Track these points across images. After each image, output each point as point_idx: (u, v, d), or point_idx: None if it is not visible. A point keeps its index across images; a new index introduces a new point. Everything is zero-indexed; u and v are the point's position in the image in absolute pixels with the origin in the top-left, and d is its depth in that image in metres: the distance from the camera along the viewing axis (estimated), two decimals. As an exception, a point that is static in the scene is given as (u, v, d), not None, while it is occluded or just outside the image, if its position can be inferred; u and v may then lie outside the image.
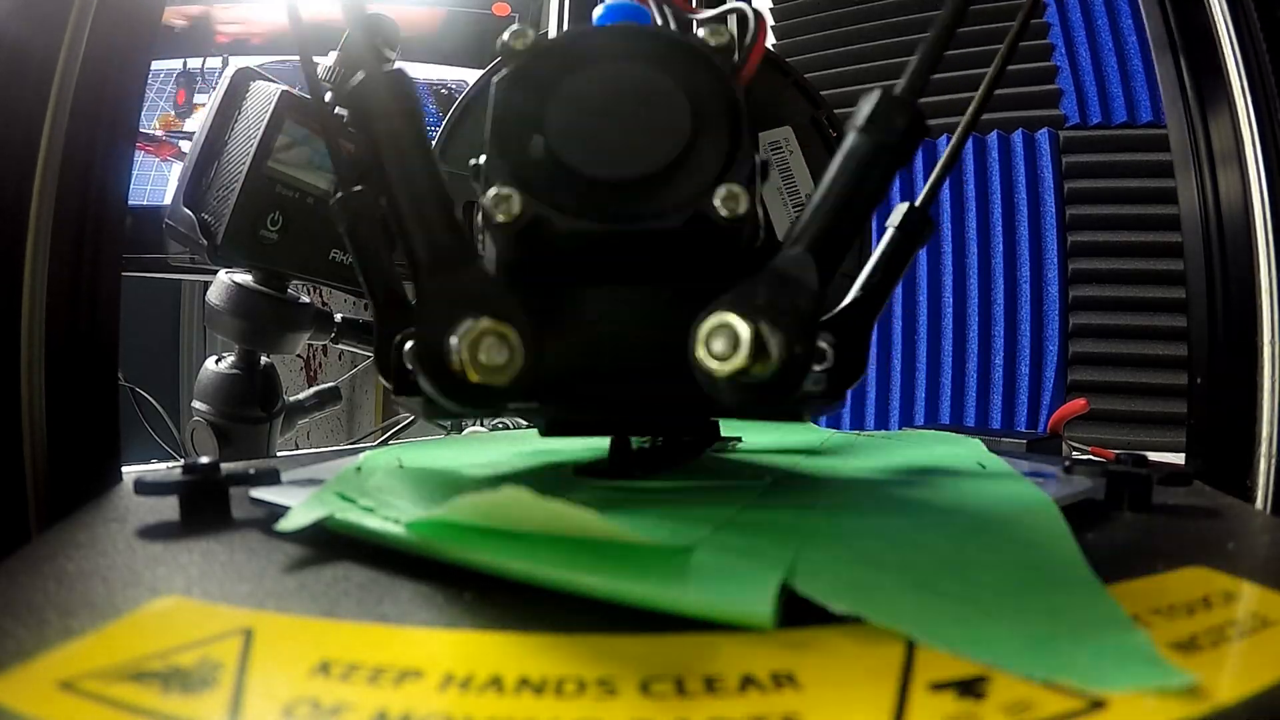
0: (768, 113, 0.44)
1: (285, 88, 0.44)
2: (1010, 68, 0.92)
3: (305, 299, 0.52)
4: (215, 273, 0.49)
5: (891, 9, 1.03)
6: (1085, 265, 0.92)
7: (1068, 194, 0.93)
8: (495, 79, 0.23)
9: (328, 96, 0.49)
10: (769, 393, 0.19)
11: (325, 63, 0.48)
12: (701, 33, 0.23)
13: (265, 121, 0.43)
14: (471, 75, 0.98)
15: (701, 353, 0.19)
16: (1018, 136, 0.95)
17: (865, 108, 0.21)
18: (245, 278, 0.48)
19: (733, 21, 0.32)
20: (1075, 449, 0.78)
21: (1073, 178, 0.92)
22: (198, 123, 0.44)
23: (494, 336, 0.19)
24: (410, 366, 0.21)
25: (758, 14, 0.29)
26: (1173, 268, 0.88)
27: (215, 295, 0.47)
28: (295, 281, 0.51)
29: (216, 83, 0.44)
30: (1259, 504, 0.40)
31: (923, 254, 1.03)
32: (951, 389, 1.02)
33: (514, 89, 0.22)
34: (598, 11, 0.27)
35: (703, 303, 0.20)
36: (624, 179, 0.21)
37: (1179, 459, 0.51)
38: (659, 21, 0.32)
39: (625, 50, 0.23)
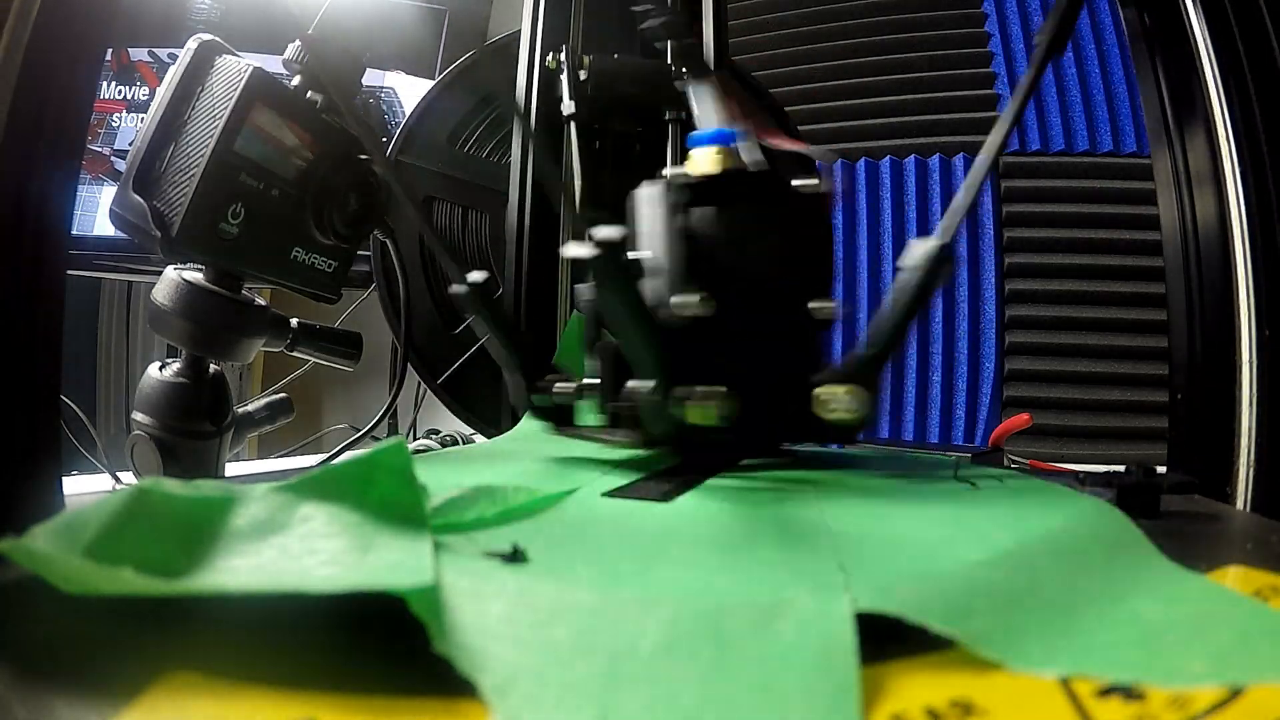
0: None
1: (257, 65, 0.39)
2: (954, 94, 0.95)
3: (261, 301, 0.47)
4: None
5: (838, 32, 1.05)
6: (1022, 286, 0.96)
7: (1006, 217, 0.97)
8: (676, 199, 0.32)
9: (296, 80, 0.45)
10: (853, 428, 0.31)
11: (295, 44, 0.44)
12: (807, 182, 0.33)
13: (233, 101, 0.38)
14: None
15: (825, 410, 0.30)
16: (959, 160, 0.99)
17: (916, 254, 0.31)
18: (197, 275, 0.43)
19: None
20: (1014, 462, 0.80)
21: (1011, 202, 0.96)
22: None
23: (727, 398, 0.29)
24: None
25: (829, 169, 0.38)
26: (1106, 289, 0.93)
27: (162, 294, 0.42)
28: (249, 283, 0.46)
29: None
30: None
31: (864, 273, 1.05)
32: (890, 404, 1.04)
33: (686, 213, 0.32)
34: (699, 134, 0.34)
35: (802, 368, 0.32)
36: (763, 285, 0.32)
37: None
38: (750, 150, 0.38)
39: (760, 191, 0.33)
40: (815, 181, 0.33)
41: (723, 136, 0.34)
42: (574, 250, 0.28)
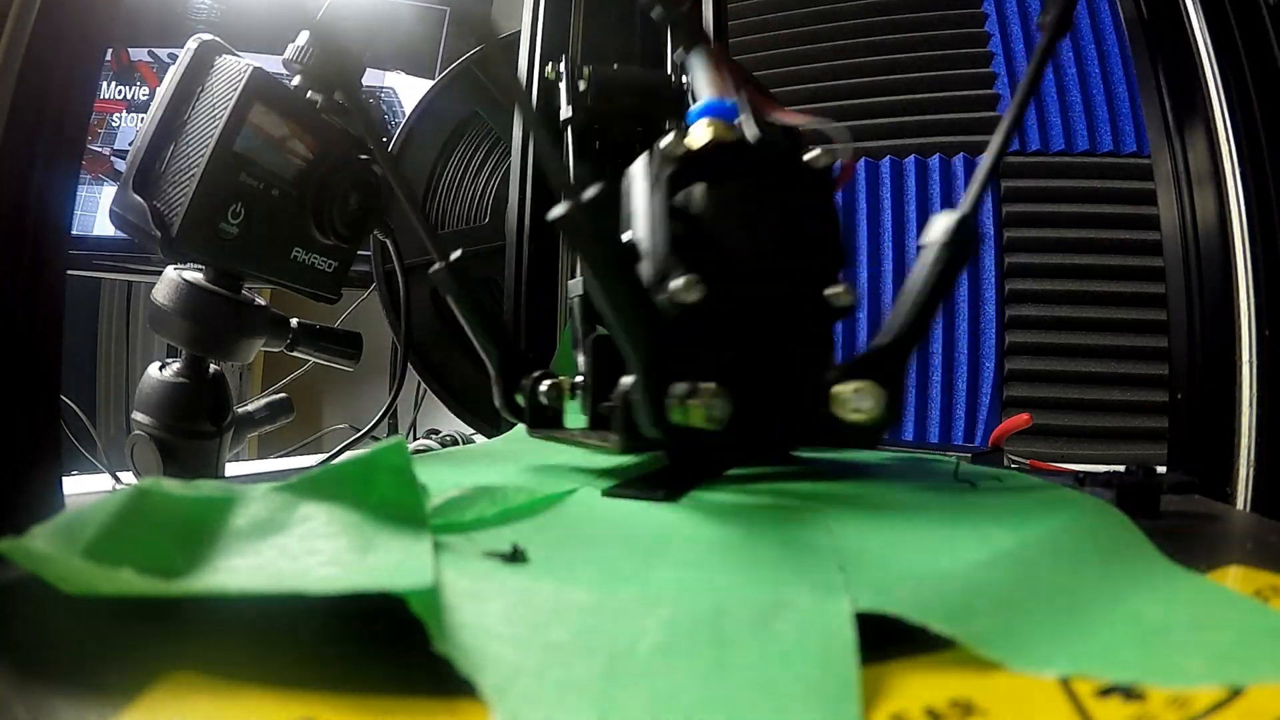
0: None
1: (257, 65, 0.39)
2: (954, 94, 0.95)
3: (261, 301, 0.47)
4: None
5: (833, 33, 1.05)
6: (1022, 286, 0.96)
7: (1006, 217, 0.96)
8: (659, 173, 0.29)
9: (296, 80, 0.45)
10: (873, 431, 0.28)
11: (295, 43, 0.44)
12: (813, 153, 0.30)
13: (233, 101, 0.38)
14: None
15: (843, 409, 0.26)
16: (959, 160, 0.99)
17: (940, 227, 0.28)
18: (197, 275, 0.43)
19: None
20: (1014, 462, 0.80)
21: (1011, 202, 0.96)
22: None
23: (719, 397, 0.25)
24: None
25: (848, 134, 0.35)
26: (1106, 289, 0.93)
27: (162, 294, 0.42)
28: (249, 283, 0.46)
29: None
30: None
31: (864, 273, 1.05)
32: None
33: (676, 188, 0.29)
34: (695, 108, 0.32)
35: (815, 362, 0.29)
36: (766, 268, 0.29)
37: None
38: (749, 124, 0.35)
39: (760, 165, 0.30)
40: (819, 152, 0.31)
41: (719, 109, 0.31)
42: (554, 212, 0.25)
